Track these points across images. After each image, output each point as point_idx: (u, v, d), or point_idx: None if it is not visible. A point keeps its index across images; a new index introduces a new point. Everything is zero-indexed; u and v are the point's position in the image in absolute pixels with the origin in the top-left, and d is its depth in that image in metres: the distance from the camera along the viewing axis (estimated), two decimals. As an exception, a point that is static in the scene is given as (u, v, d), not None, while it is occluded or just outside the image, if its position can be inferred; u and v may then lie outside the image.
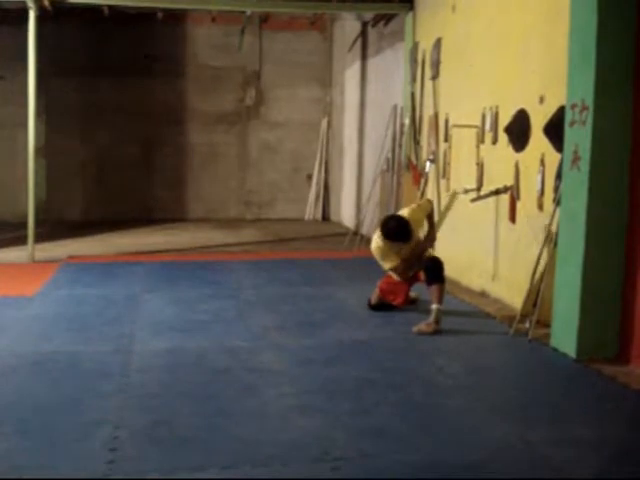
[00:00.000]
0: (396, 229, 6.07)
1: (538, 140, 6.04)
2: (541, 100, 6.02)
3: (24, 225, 9.17)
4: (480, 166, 7.19)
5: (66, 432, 3.74)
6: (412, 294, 6.72)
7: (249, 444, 3.63)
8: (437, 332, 5.76)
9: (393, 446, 3.65)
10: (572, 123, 5.14)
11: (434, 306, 5.86)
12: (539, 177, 6.00)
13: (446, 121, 8.07)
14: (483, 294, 7.12)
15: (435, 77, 8.45)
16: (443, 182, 8.20)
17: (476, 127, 7.23)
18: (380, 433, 3.79)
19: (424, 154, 8.78)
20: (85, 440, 3.65)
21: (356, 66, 12.32)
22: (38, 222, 9.11)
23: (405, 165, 9.18)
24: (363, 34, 12.00)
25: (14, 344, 5.42)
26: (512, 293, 6.52)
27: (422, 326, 5.81)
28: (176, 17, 12.35)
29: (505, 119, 6.66)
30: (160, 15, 12.08)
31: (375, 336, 5.79)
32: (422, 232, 6.57)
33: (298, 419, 3.97)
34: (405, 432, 3.82)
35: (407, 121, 9.25)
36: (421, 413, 4.11)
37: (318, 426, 3.87)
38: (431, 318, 5.82)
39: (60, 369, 4.82)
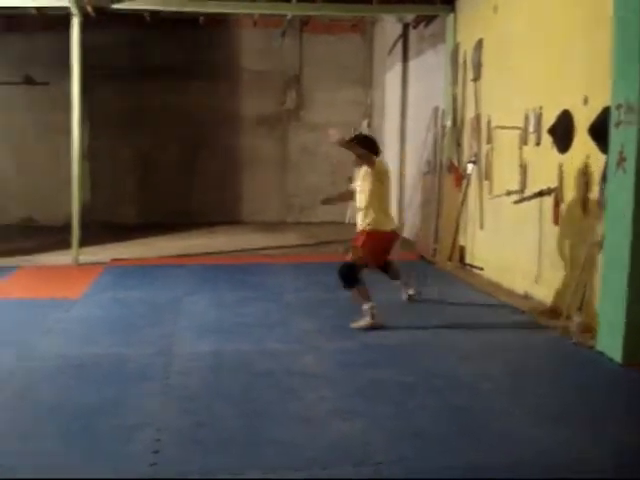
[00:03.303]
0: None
1: (582, 141, 5.95)
2: (585, 101, 5.93)
3: (68, 228, 9.31)
4: (523, 168, 7.11)
5: (109, 434, 3.78)
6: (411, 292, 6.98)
7: (290, 447, 3.63)
8: (375, 327, 5.99)
9: (433, 450, 3.63)
10: (618, 124, 5.05)
11: (363, 307, 6.07)
12: (583, 179, 5.91)
13: (488, 123, 8.00)
14: (526, 296, 7.03)
15: (477, 78, 8.38)
16: (485, 184, 8.12)
17: (519, 128, 7.15)
18: (420, 437, 3.76)
19: (466, 156, 8.72)
20: (128, 442, 3.68)
21: (397, 68, 12.27)
22: (82, 225, 9.23)
23: (447, 167, 9.11)
24: (404, 36, 11.94)
25: (59, 346, 5.50)
26: (556, 296, 6.42)
27: (360, 322, 6.05)
28: (218, 21, 12.42)
29: (549, 120, 6.58)
30: (202, 20, 12.16)
31: (415, 339, 5.75)
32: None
33: (339, 423, 3.95)
34: (446, 436, 3.79)
35: (448, 123, 9.19)
36: (462, 417, 4.07)
37: (359, 430, 3.85)
38: (367, 317, 6.03)
39: (103, 371, 4.87)
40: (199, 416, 4.05)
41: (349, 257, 6.35)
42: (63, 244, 9.66)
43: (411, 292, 7.04)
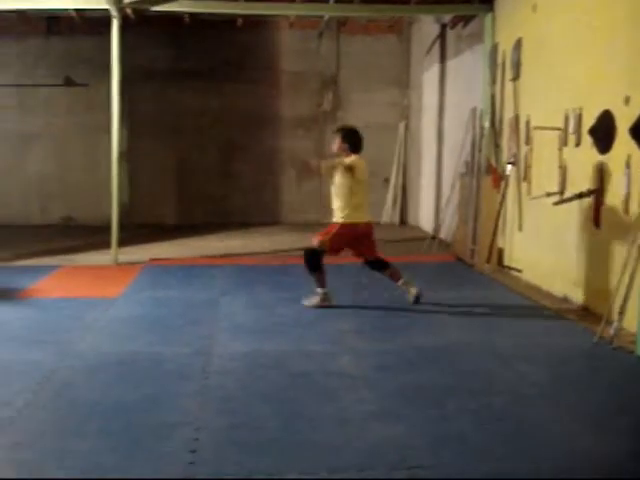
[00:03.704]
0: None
1: (623, 142, 5.87)
2: (626, 101, 5.84)
3: (106, 228, 9.42)
4: (563, 169, 7.03)
5: (147, 432, 3.81)
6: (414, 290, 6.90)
7: (327, 449, 3.62)
8: (324, 306, 6.66)
9: (472, 455, 3.59)
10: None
11: (317, 290, 6.73)
12: (625, 180, 5.83)
13: (527, 123, 7.93)
14: (565, 300, 6.95)
15: (515, 78, 8.31)
16: (524, 185, 8.05)
17: (559, 129, 7.07)
18: (459, 441, 3.73)
19: (504, 157, 8.65)
20: (166, 441, 3.71)
21: (434, 69, 12.21)
22: (121, 226, 9.34)
23: (485, 168, 9.05)
24: (441, 36, 11.89)
25: (99, 344, 5.57)
26: (596, 299, 6.35)
27: (311, 301, 6.75)
28: (255, 23, 12.48)
29: (589, 121, 6.49)
30: (240, 21, 12.23)
31: (454, 341, 5.72)
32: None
33: (376, 425, 3.94)
34: (485, 441, 3.75)
35: (487, 124, 9.12)
36: (501, 422, 4.03)
37: (396, 433, 3.83)
38: (317, 297, 6.74)
39: (142, 369, 4.92)
40: (236, 416, 4.06)
41: (315, 243, 6.70)
42: (102, 244, 9.78)
43: (415, 292, 6.86)
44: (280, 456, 3.54)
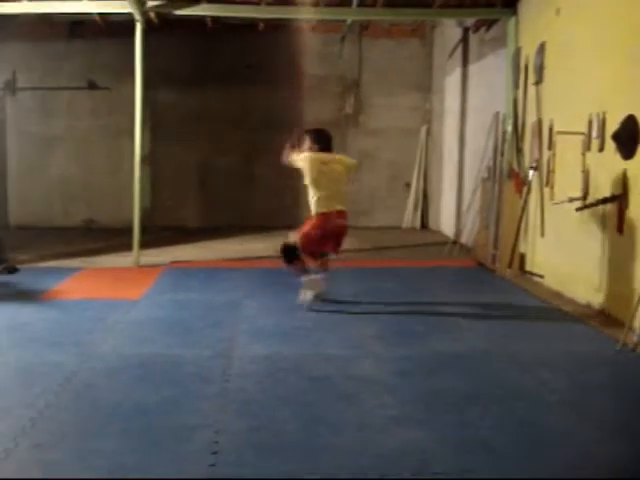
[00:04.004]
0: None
1: (648, 147, 5.82)
2: (652, 106, 5.80)
3: (128, 231, 9.47)
4: (586, 174, 6.98)
5: (168, 434, 3.82)
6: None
7: (347, 454, 3.61)
8: (320, 296, 6.78)
9: (494, 462, 3.56)
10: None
11: (302, 279, 6.81)
12: (649, 185, 5.78)
13: (550, 128, 7.88)
14: (588, 306, 6.89)
15: (538, 83, 8.27)
16: (546, 190, 8.00)
17: (582, 134, 7.02)
18: (481, 447, 3.71)
19: (526, 162, 8.60)
20: (186, 443, 3.71)
21: (457, 73, 12.18)
22: (142, 228, 9.38)
23: (507, 173, 9.00)
24: (464, 40, 11.86)
25: (120, 346, 5.59)
26: (618, 305, 6.28)
27: (304, 297, 6.77)
28: (277, 27, 12.49)
29: (613, 125, 6.43)
30: (261, 25, 12.26)
31: (475, 347, 5.69)
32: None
33: (397, 430, 3.92)
34: (507, 448, 3.72)
35: (509, 128, 9.08)
36: (524, 428, 3.99)
37: (418, 438, 3.81)
38: (306, 289, 6.80)
39: (163, 372, 4.94)
40: (256, 419, 4.07)
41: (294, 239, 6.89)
42: (124, 246, 9.83)
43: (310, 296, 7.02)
44: (300, 460, 3.54)
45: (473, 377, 4.89)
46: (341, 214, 6.93)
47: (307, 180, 6.94)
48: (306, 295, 6.81)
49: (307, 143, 7.06)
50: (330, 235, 6.94)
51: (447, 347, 5.64)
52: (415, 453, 3.63)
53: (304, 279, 6.83)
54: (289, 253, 6.81)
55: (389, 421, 4.05)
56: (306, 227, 6.94)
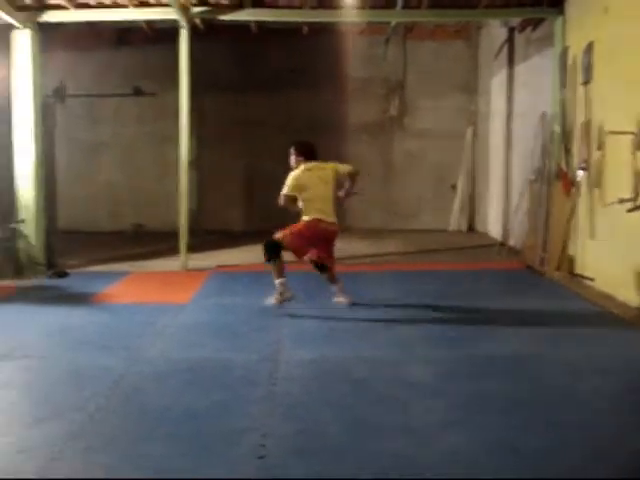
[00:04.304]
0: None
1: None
2: None
3: (175, 235, 9.56)
4: (637, 175, 6.84)
5: (216, 438, 3.84)
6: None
7: (393, 458, 3.59)
8: (288, 299, 6.80)
9: (542, 467, 3.50)
10: None
11: (275, 281, 6.79)
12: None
13: (599, 128, 7.74)
14: (640, 309, 6.76)
15: (587, 82, 8.13)
16: (596, 191, 7.86)
17: (632, 134, 6.88)
18: (528, 453, 3.64)
19: (575, 162, 8.46)
20: (234, 446, 3.73)
21: (502, 73, 12.06)
22: (189, 232, 9.46)
23: (555, 174, 8.87)
24: (510, 40, 11.73)
25: (169, 350, 5.64)
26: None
27: (271, 299, 6.83)
28: (321, 30, 12.52)
29: (664, 124, 6.31)
30: (305, 29, 12.28)
31: (523, 350, 5.60)
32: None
33: (443, 435, 3.88)
34: (555, 453, 3.65)
35: (557, 129, 8.95)
36: (573, 434, 3.92)
37: (464, 443, 3.77)
38: (275, 292, 6.81)
39: (211, 376, 4.96)
40: (304, 423, 4.06)
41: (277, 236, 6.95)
42: (171, 250, 9.93)
43: (342, 300, 7.18)
44: (347, 464, 3.52)
45: (521, 381, 4.82)
46: (333, 226, 7.12)
47: (285, 190, 7.12)
48: (273, 299, 6.86)
49: (293, 156, 7.28)
50: (316, 239, 7.05)
51: (494, 350, 5.57)
52: (460, 458, 3.59)
53: (277, 281, 6.79)
54: (271, 249, 6.82)
55: (434, 425, 4.02)
56: (290, 229, 7.06)
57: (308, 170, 7.09)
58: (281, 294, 6.79)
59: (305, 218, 7.04)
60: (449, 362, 5.26)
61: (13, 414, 4.28)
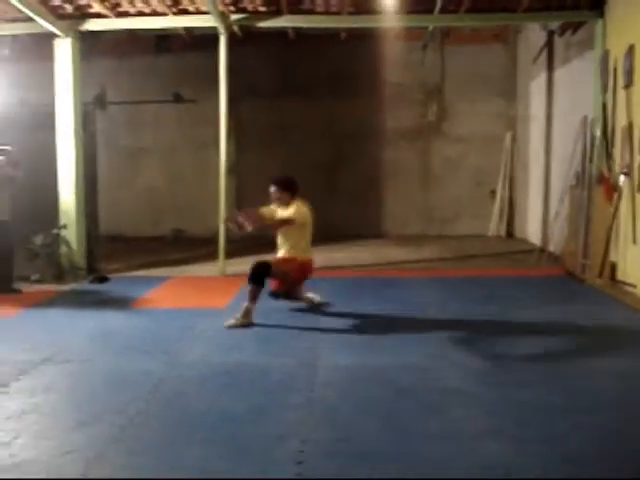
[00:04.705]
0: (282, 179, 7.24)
1: None
2: None
3: (215, 240, 9.63)
4: (680, 179, 6.73)
5: (254, 442, 3.84)
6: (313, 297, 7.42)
7: (433, 465, 3.56)
8: (246, 325, 6.48)
9: (587, 477, 3.45)
10: None
11: (245, 304, 6.60)
12: None
13: (641, 132, 7.64)
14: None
15: (628, 86, 8.02)
16: (638, 196, 7.74)
17: (676, 138, 6.78)
18: (571, 462, 3.58)
19: (617, 167, 8.35)
20: (272, 451, 3.73)
21: (542, 77, 11.95)
22: (228, 237, 9.51)
23: (596, 179, 8.76)
24: (549, 44, 11.63)
25: (207, 354, 5.68)
26: None
27: (230, 320, 6.53)
28: (358, 36, 12.52)
29: None
30: (343, 35, 12.30)
31: (565, 358, 5.51)
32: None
33: (484, 442, 3.84)
34: (600, 463, 3.59)
35: (598, 133, 8.84)
36: (618, 443, 3.85)
37: (505, 451, 3.72)
38: (238, 313, 6.56)
39: (249, 380, 4.98)
40: (341, 429, 4.05)
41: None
42: (210, 255, 10.00)
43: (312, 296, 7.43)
44: (386, 471, 3.50)
45: (563, 388, 4.75)
46: (311, 262, 7.33)
47: (291, 231, 7.10)
48: (230, 321, 6.55)
49: (276, 192, 7.21)
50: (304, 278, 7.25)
51: (535, 357, 5.50)
52: (501, 467, 3.54)
53: (247, 304, 6.60)
54: (260, 273, 6.67)
55: (474, 433, 3.98)
56: (294, 267, 7.06)
57: (304, 211, 7.12)
58: (244, 317, 6.56)
59: (303, 255, 7.14)
60: (489, 369, 5.20)
61: (56, 417, 4.34)
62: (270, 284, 6.94)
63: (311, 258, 7.25)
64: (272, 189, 7.21)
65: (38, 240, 9.14)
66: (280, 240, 7.24)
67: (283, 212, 7.13)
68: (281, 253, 7.21)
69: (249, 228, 6.88)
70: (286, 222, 6.98)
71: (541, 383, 4.89)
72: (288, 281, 7.10)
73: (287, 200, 7.15)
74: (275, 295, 7.14)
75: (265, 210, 7.35)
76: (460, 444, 3.83)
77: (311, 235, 7.23)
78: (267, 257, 7.21)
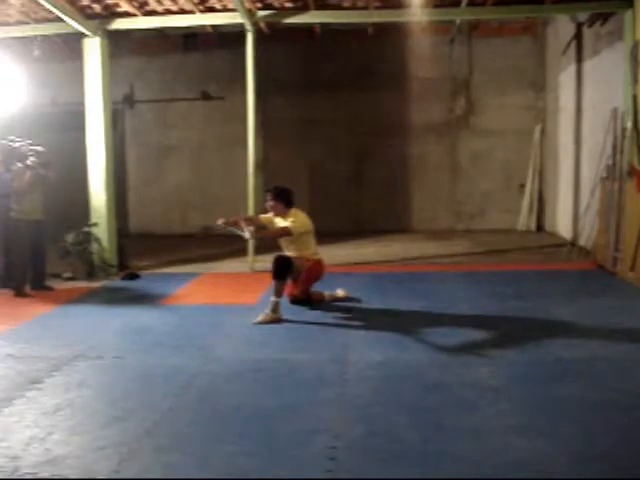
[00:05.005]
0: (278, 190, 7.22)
1: None
2: None
3: (242, 236, 9.64)
4: None
5: (286, 438, 3.86)
6: (340, 293, 7.52)
7: (466, 462, 3.54)
8: (275, 321, 6.52)
9: (618, 475, 3.41)
10: None
11: (271, 299, 6.64)
12: None
13: (674, 123, 7.53)
14: None
15: (660, 77, 7.92)
16: (671, 189, 7.64)
17: None
18: (603, 459, 3.55)
19: (648, 159, 8.25)
20: (304, 447, 3.74)
21: (571, 69, 11.82)
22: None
23: (627, 172, 8.65)
24: (578, 35, 11.49)
25: (239, 351, 5.70)
26: None
27: (259, 317, 6.56)
28: (385, 30, 12.49)
29: None
30: (370, 30, 12.27)
31: (597, 353, 5.46)
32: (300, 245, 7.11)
33: (516, 439, 3.81)
34: (631, 460, 3.55)
35: (629, 125, 8.73)
36: (652, 439, 3.82)
37: (538, 448, 3.69)
38: (267, 309, 6.60)
39: (280, 376, 4.99)
40: (374, 425, 4.05)
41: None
42: (239, 252, 10.04)
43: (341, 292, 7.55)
44: (418, 467, 3.50)
45: (595, 385, 4.71)
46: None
47: (292, 240, 7.07)
48: (259, 318, 6.59)
49: (271, 202, 7.19)
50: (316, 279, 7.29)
51: (567, 353, 5.45)
52: (534, 464, 3.51)
53: (273, 299, 6.65)
54: (283, 267, 6.75)
55: (507, 430, 3.95)
56: (312, 267, 7.13)
57: (302, 219, 7.15)
58: (273, 312, 6.61)
59: (312, 257, 7.15)
60: (520, 365, 5.17)
61: (89, 413, 4.38)
62: (285, 290, 6.94)
63: (320, 259, 7.26)
64: (267, 197, 7.23)
65: (70, 238, 9.24)
66: (285, 247, 7.22)
67: (281, 222, 7.15)
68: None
69: (246, 233, 6.98)
70: (283, 233, 7.00)
71: (573, 378, 4.85)
72: (300, 280, 7.11)
73: (281, 210, 7.15)
74: (295, 302, 7.20)
75: (263, 217, 7.42)
76: (492, 441, 3.81)
77: (314, 243, 7.27)
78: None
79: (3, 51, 10.01)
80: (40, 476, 3.47)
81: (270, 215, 7.31)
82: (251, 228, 7.07)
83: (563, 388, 4.65)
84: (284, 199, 7.18)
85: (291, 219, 7.02)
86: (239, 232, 7.06)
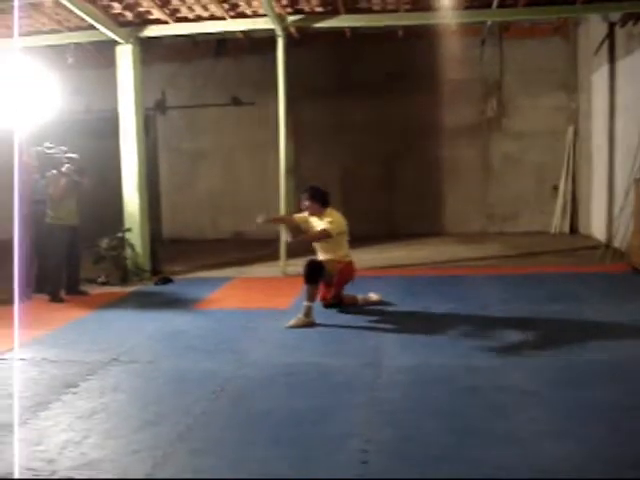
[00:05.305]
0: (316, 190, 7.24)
1: None
2: None
3: (275, 241, 9.70)
4: None
5: (318, 442, 3.87)
6: (373, 297, 7.56)
7: (499, 468, 3.52)
8: (308, 325, 6.53)
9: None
10: None
11: (304, 303, 6.66)
12: None
13: None
14: None
15: (695, 76, 7.82)
16: None
17: None
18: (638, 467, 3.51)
19: (684, 160, 8.14)
20: (336, 452, 3.74)
21: (603, 70, 11.70)
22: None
23: (662, 172, 8.56)
24: (610, 35, 11.37)
25: (271, 355, 5.73)
26: None
27: (292, 321, 6.58)
28: (415, 33, 12.46)
29: None
30: (400, 33, 12.25)
31: (633, 357, 5.39)
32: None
33: (550, 445, 3.77)
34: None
35: (664, 125, 8.63)
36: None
37: (572, 454, 3.65)
38: (300, 313, 6.61)
39: (312, 380, 5.00)
40: (406, 430, 4.04)
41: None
42: (271, 256, 10.08)
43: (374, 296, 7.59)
44: (451, 472, 3.48)
45: (631, 389, 4.64)
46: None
47: (328, 242, 7.11)
48: (292, 321, 6.61)
49: (307, 202, 7.24)
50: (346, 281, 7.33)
51: (602, 357, 5.39)
52: (568, 470, 3.48)
53: (305, 303, 6.68)
54: (315, 271, 6.80)
55: (540, 435, 3.91)
56: (342, 270, 7.18)
57: (338, 219, 7.16)
58: (306, 316, 6.63)
59: (344, 259, 7.20)
60: (553, 369, 5.12)
61: (123, 417, 4.43)
62: (318, 295, 6.97)
63: (351, 260, 7.31)
64: (303, 197, 7.27)
65: (104, 243, 9.35)
66: (318, 248, 7.26)
67: (317, 222, 7.19)
68: (321, 258, 7.21)
69: (287, 236, 7.13)
70: (322, 235, 7.05)
71: (606, 383, 4.80)
72: (332, 284, 7.16)
73: (317, 210, 7.21)
74: (328, 306, 7.23)
75: (297, 216, 7.49)
76: (524, 446, 3.78)
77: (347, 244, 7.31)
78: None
79: (37, 59, 10.16)
80: (76, 479, 3.52)
81: (305, 214, 7.36)
82: (290, 234, 7.27)
83: (596, 391, 4.60)
84: (320, 199, 7.22)
85: (328, 219, 7.06)
86: (283, 231, 7.18)
